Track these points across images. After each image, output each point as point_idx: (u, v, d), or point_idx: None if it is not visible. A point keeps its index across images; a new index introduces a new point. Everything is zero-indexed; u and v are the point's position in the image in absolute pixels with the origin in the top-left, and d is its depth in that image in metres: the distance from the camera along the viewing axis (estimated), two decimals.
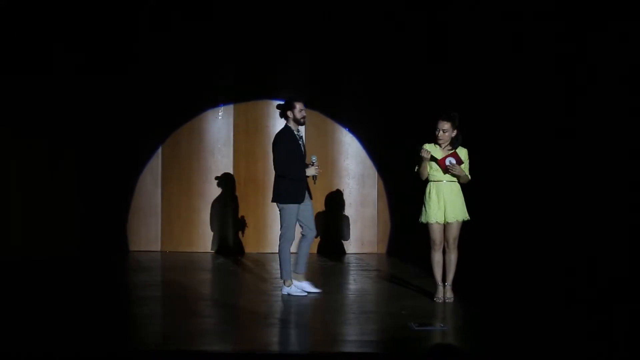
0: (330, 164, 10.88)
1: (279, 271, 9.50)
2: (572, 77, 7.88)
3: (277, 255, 7.77)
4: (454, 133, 7.20)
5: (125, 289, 8.38)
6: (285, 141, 7.67)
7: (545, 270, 8.10)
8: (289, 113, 7.73)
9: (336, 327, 6.58)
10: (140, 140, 10.82)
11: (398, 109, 10.51)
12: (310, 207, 7.77)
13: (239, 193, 10.96)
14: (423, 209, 7.29)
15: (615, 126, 7.21)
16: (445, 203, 7.19)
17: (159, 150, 11.00)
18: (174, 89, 10.73)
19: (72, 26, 9.89)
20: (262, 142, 10.95)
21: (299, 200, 7.61)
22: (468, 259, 7.61)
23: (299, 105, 7.70)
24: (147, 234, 11.02)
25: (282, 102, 7.86)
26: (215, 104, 11.01)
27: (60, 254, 9.73)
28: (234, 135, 11.00)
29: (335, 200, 10.87)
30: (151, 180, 11.00)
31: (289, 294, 7.61)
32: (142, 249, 10.98)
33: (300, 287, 7.68)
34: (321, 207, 10.89)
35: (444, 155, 7.17)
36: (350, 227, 10.87)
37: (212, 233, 10.99)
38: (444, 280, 7.31)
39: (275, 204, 7.76)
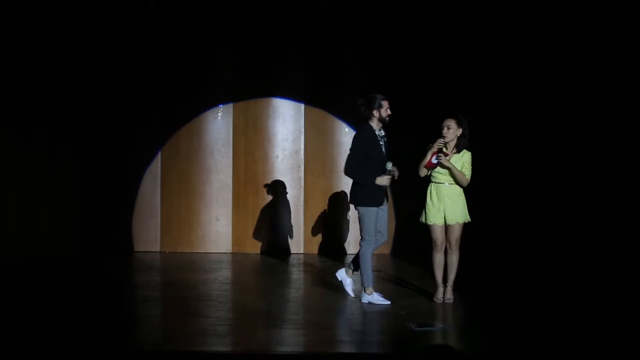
0: (329, 164, 10.88)
1: (277, 271, 9.54)
2: (571, 77, 7.88)
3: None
4: (459, 132, 7.20)
5: (124, 289, 8.37)
6: (364, 144, 7.21)
7: (545, 270, 8.10)
8: (375, 112, 7.25)
9: (336, 327, 6.58)
10: (139, 140, 10.81)
11: (398, 109, 10.46)
12: (386, 212, 7.37)
13: (241, 194, 10.98)
14: (424, 209, 7.31)
15: (615, 126, 7.21)
16: (444, 205, 7.19)
17: (159, 151, 10.98)
18: (174, 89, 10.73)
19: (72, 26, 9.89)
20: (262, 142, 10.95)
21: (378, 203, 7.22)
22: (468, 260, 7.61)
23: (386, 104, 7.23)
24: (147, 234, 11.01)
25: (364, 99, 7.34)
26: (214, 104, 11.00)
27: (60, 254, 9.73)
28: (233, 136, 10.99)
29: (335, 200, 10.86)
30: (151, 180, 10.99)
31: (369, 303, 7.19)
32: (141, 249, 10.96)
33: (342, 277, 7.49)
34: (321, 208, 10.89)
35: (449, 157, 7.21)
36: (350, 227, 10.86)
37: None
38: (444, 280, 7.31)
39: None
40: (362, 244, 7.28)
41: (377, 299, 7.23)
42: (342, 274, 7.57)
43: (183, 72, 10.69)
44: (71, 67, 10.16)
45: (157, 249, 11.00)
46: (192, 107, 10.94)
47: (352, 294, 7.48)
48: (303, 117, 10.94)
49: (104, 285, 8.41)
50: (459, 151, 7.22)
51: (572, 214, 7.77)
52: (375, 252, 11.00)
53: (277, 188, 10.88)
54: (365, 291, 7.29)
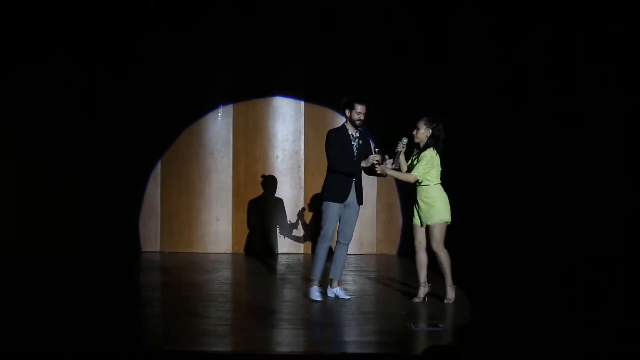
0: None
1: (276, 271, 9.55)
2: (571, 77, 7.88)
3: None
4: (429, 133, 7.24)
5: (124, 289, 8.37)
6: (334, 139, 7.30)
7: (545, 270, 8.10)
8: (347, 112, 7.34)
9: (335, 327, 6.58)
10: (139, 140, 10.80)
11: (398, 109, 10.51)
12: (354, 213, 7.40)
13: (241, 193, 10.99)
14: None
15: (615, 126, 7.21)
16: (420, 208, 7.24)
17: (159, 151, 10.98)
18: (174, 89, 10.73)
19: (72, 26, 9.89)
20: (262, 143, 10.96)
21: (339, 199, 7.28)
22: (469, 260, 7.61)
23: (358, 107, 7.27)
24: (147, 234, 11.01)
25: (344, 99, 7.45)
26: (214, 104, 11.01)
27: (60, 254, 9.72)
28: (233, 136, 11.00)
29: None
30: (151, 180, 10.99)
31: (310, 295, 7.38)
32: (141, 250, 10.96)
33: (334, 293, 7.50)
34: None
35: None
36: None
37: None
38: (429, 281, 7.34)
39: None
40: (319, 238, 7.37)
41: (312, 293, 7.34)
42: (330, 292, 7.57)
43: (183, 72, 10.69)
44: (71, 67, 10.16)
45: (157, 249, 11.00)
46: (192, 107, 10.95)
47: (348, 297, 7.50)
48: (303, 117, 10.95)
49: (104, 285, 8.40)
50: (423, 150, 7.24)
51: (572, 214, 7.77)
52: (372, 253, 11.08)
53: (277, 188, 10.89)
54: (310, 283, 7.41)
